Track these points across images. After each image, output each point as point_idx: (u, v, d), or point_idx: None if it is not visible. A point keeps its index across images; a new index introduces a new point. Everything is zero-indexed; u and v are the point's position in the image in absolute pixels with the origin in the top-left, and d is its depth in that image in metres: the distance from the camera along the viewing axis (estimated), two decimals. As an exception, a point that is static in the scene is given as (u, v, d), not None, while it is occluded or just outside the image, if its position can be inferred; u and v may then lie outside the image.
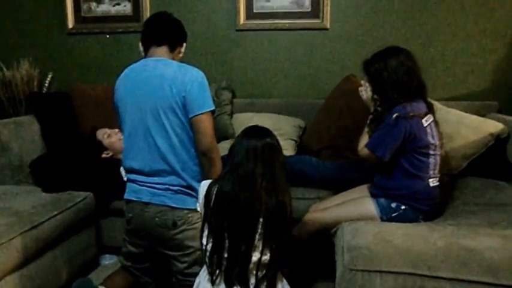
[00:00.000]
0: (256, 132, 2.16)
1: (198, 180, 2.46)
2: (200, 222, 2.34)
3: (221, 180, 2.10)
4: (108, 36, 4.30)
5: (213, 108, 2.43)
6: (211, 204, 2.09)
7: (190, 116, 2.38)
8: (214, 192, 2.09)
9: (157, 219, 2.41)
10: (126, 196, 2.55)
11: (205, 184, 2.19)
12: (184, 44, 2.64)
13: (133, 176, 2.51)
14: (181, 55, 2.63)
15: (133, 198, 2.48)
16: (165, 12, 2.64)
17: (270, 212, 2.01)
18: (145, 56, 2.57)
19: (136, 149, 2.46)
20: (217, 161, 2.45)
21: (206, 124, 2.40)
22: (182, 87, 2.36)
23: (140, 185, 2.47)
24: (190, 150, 2.45)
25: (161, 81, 2.38)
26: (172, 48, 2.56)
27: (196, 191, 2.42)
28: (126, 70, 2.57)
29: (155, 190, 2.43)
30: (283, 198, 2.06)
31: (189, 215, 2.44)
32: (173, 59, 2.55)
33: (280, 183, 2.07)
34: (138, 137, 2.45)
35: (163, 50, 2.54)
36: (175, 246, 2.46)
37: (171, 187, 2.42)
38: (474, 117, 3.09)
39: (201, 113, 2.38)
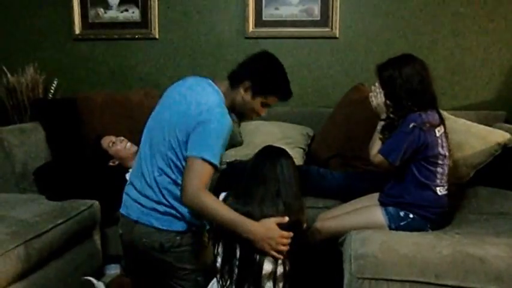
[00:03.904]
0: (271, 153, 2.18)
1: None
2: (191, 245, 2.30)
3: (234, 199, 2.11)
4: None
5: (212, 160, 2.09)
6: None
7: (185, 154, 2.17)
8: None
9: (144, 240, 2.29)
10: (121, 209, 2.44)
11: (222, 196, 2.19)
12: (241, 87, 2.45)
13: (128, 189, 2.42)
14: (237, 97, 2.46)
15: (125, 213, 2.38)
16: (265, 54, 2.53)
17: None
18: None
19: (140, 163, 2.37)
20: (207, 212, 2.10)
21: (196, 173, 2.08)
22: (191, 125, 2.16)
23: (132, 200, 2.36)
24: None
25: (183, 108, 2.25)
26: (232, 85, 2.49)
27: (183, 215, 2.27)
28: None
29: (143, 208, 2.30)
30: (296, 217, 2.08)
31: (177, 238, 2.28)
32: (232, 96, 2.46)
33: (293, 204, 2.08)
34: (146, 156, 2.35)
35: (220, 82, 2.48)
36: (165, 270, 2.34)
37: (157, 207, 2.28)
38: (482, 126, 3.08)
39: (195, 157, 2.10)
